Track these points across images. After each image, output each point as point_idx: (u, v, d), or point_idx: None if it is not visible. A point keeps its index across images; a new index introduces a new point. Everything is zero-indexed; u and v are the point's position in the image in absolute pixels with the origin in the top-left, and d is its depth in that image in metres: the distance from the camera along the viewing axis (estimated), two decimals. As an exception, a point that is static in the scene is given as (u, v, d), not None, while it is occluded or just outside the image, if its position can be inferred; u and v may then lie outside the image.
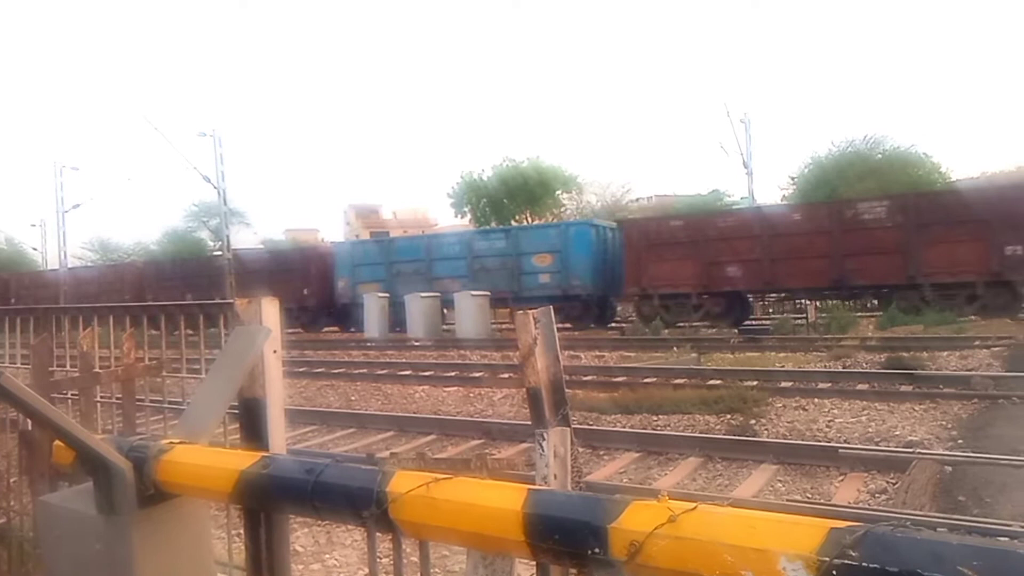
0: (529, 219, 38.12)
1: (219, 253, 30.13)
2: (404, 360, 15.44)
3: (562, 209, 41.21)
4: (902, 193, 19.69)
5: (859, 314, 20.48)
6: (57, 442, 1.57)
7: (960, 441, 6.58)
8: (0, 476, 3.00)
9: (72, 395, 3.10)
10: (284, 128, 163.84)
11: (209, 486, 1.39)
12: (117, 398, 3.05)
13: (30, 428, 2.85)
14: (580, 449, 5.76)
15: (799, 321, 20.19)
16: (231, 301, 2.00)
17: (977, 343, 12.81)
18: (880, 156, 31.49)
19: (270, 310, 1.74)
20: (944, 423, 7.31)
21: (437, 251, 24.23)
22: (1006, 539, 0.73)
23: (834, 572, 0.72)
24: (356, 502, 1.13)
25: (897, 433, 6.95)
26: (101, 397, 3.15)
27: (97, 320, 3.19)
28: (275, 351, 1.74)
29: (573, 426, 1.86)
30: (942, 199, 17.74)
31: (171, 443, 1.49)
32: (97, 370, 2.97)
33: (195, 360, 2.93)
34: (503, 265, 22.67)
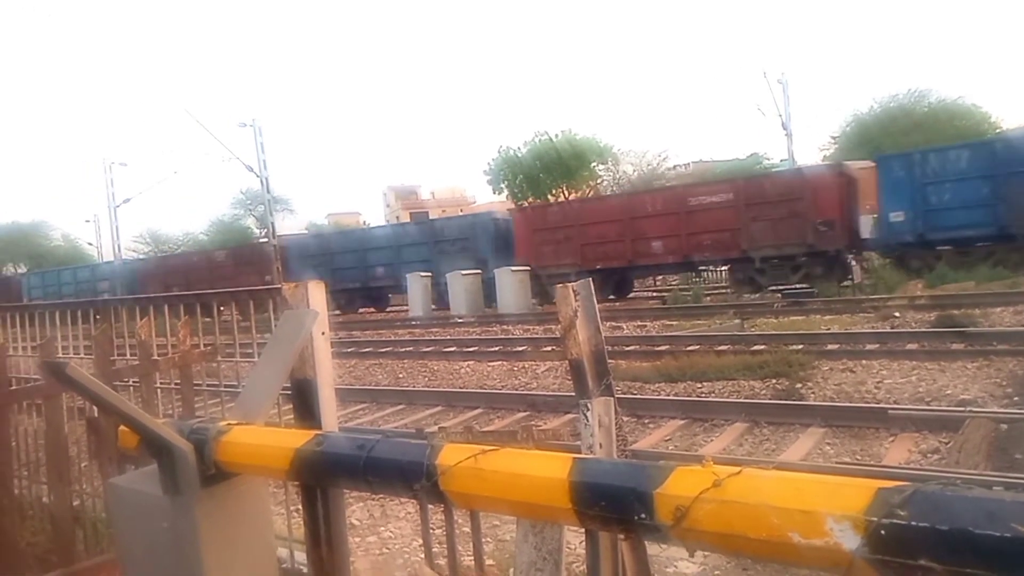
0: (566, 193, 37.86)
1: (264, 240, 30.85)
2: (448, 337, 15.60)
3: (598, 181, 40.82)
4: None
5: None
6: (122, 427, 1.64)
7: (1016, 398, 6.41)
8: (71, 461, 3.15)
9: (133, 382, 3.23)
10: (323, 113, 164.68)
11: (267, 464, 1.44)
12: (175, 384, 3.16)
13: (96, 415, 2.98)
14: (625, 418, 5.78)
15: (844, 283, 19.75)
16: (279, 286, 2.06)
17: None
18: (926, 109, 30.39)
19: (317, 293, 1.78)
20: (998, 380, 7.12)
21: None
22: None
23: (882, 532, 0.72)
24: (407, 475, 1.16)
25: (949, 392, 6.80)
26: (160, 383, 3.27)
27: (153, 310, 3.30)
28: (323, 333, 1.79)
29: (617, 396, 1.87)
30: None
31: (229, 425, 1.55)
32: (155, 358, 3.08)
33: (247, 344, 3.02)
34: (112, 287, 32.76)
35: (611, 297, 22.33)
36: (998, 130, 27.95)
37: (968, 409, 5.87)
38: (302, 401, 1.76)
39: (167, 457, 1.51)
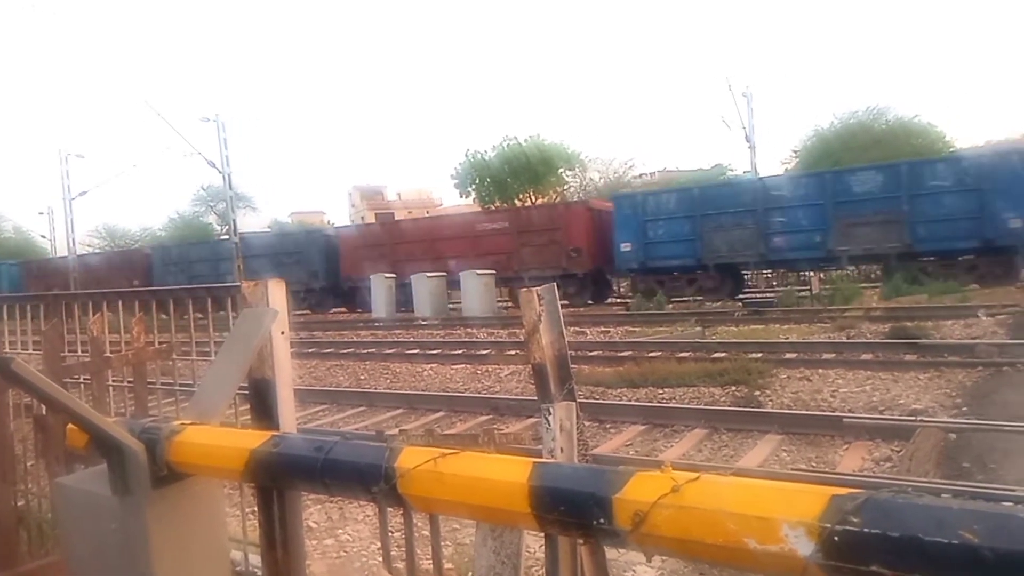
0: (533, 198, 38.00)
1: (225, 238, 30.71)
2: (412, 339, 15.50)
3: (565, 187, 41.04)
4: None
5: (863, 285, 20.65)
6: (71, 426, 1.59)
7: (964, 409, 6.60)
8: (17, 460, 3.04)
9: (84, 380, 3.14)
10: (288, 111, 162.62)
11: (221, 465, 1.41)
12: (128, 382, 3.08)
13: (44, 413, 2.89)
14: (586, 423, 5.81)
15: (803, 293, 20.27)
16: (238, 284, 2.02)
17: (982, 312, 12.79)
18: (884, 127, 31.24)
19: (277, 292, 1.75)
20: (948, 391, 7.33)
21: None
22: (1009, 504, 0.74)
23: (835, 538, 0.73)
24: (365, 478, 1.15)
25: (901, 402, 6.97)
26: (113, 381, 3.18)
27: (107, 305, 3.21)
28: (283, 332, 1.76)
29: (579, 400, 1.87)
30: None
31: (183, 424, 1.51)
32: (108, 354, 3.00)
33: (205, 343, 2.96)
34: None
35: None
36: (951, 149, 28.88)
37: (919, 419, 6.03)
38: (260, 401, 1.73)
39: (117, 456, 1.47)
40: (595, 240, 22.63)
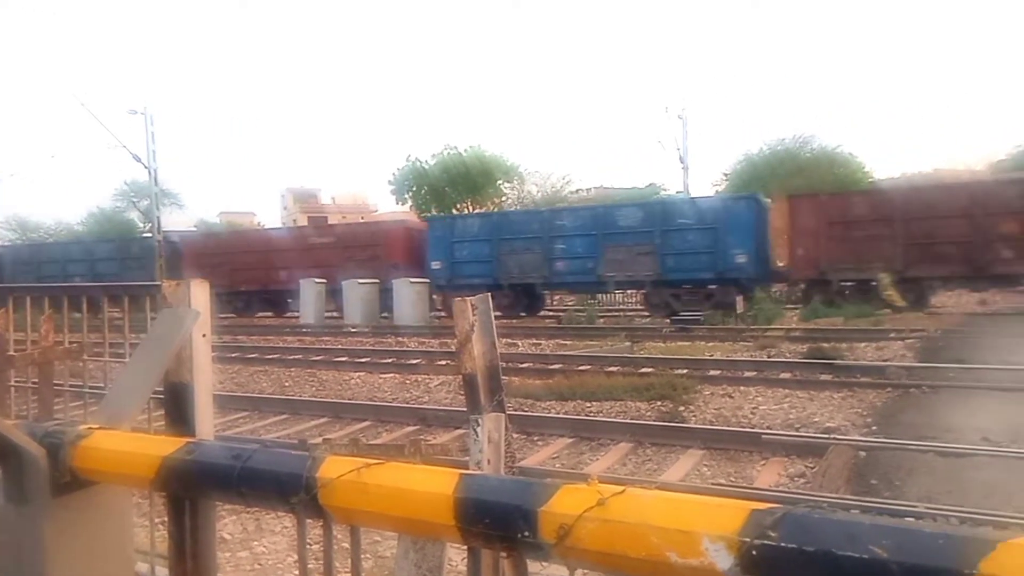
0: (470, 207, 38.02)
1: (149, 235, 29.68)
2: (340, 346, 15.21)
3: (503, 199, 41.22)
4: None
5: (786, 306, 21.51)
6: (-37, 428, 1.48)
7: (874, 428, 6.91)
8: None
9: (-18, 379, 2.94)
10: (221, 108, 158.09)
11: (130, 472, 1.34)
12: (33, 383, 2.91)
13: (-66, 413, 2.69)
14: (515, 435, 5.81)
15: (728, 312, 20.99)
16: (158, 283, 1.93)
17: (892, 335, 13.46)
18: (809, 155, 32.69)
19: (200, 293, 1.68)
20: (860, 411, 7.67)
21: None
22: (912, 520, 0.77)
23: (754, 552, 0.74)
24: (285, 488, 1.11)
25: (816, 420, 7.26)
26: (16, 382, 2.99)
27: (13, 301, 3.03)
28: (204, 334, 1.68)
29: (508, 412, 1.87)
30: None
31: (90, 428, 1.43)
32: (11, 353, 2.82)
33: (119, 344, 2.82)
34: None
35: (268, 313, 27.31)
36: (870, 180, 30.44)
37: (832, 436, 6.28)
38: (176, 406, 1.65)
39: (14, 462, 1.37)
40: (412, 257, 24.48)
